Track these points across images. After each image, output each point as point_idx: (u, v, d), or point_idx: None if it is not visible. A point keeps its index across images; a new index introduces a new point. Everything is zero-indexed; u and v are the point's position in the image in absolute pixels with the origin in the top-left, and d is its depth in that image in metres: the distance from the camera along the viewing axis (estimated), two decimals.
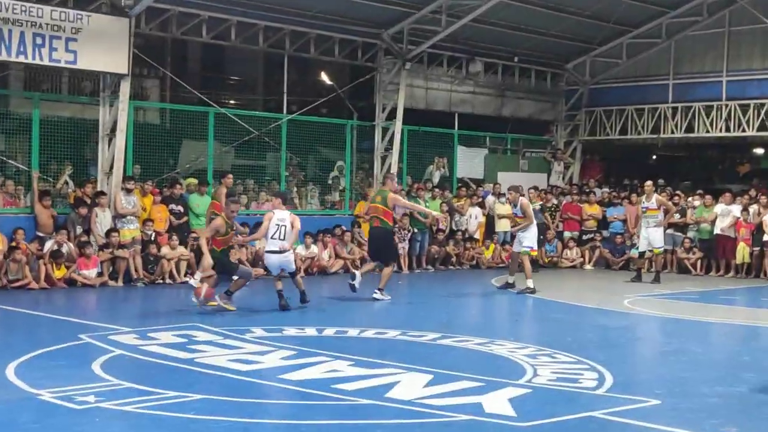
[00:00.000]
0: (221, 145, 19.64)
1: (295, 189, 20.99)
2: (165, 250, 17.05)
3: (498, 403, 7.48)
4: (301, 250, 18.87)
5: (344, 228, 19.92)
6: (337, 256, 19.54)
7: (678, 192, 22.84)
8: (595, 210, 23.14)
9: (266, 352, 9.73)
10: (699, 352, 10.81)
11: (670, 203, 19.81)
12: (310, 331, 11.35)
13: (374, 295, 14.57)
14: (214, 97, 20.86)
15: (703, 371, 9.55)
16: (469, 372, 8.72)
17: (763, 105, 22.81)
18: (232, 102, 24.60)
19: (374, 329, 11.62)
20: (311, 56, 20.95)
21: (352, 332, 11.38)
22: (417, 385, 8.14)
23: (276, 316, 12.92)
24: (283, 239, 13.40)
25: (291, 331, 11.32)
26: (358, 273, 15.05)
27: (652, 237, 18.67)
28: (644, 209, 18.86)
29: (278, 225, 13.43)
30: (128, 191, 16.94)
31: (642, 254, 19.31)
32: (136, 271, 16.56)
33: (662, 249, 19.18)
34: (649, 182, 19.26)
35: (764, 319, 14.08)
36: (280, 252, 13.40)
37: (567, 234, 23.07)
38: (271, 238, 13.41)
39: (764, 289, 18.64)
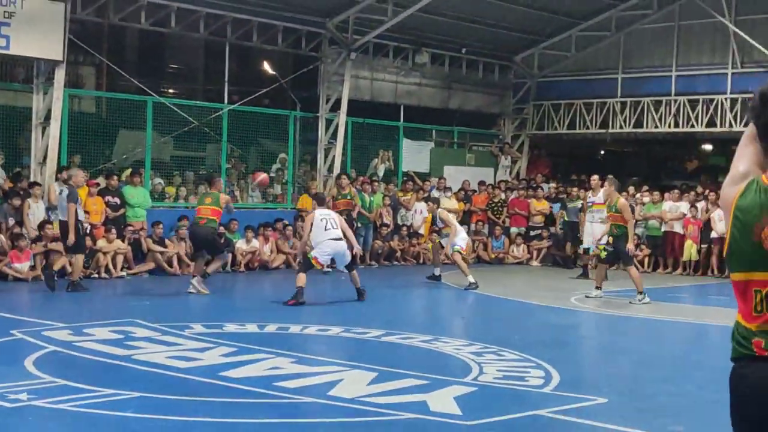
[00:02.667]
0: (159, 135, 19.46)
1: (236, 181, 20.89)
2: (101, 243, 16.84)
3: (443, 401, 7.54)
4: (241, 244, 18.80)
5: (286, 222, 19.88)
6: (279, 250, 19.49)
7: (626, 188, 23.18)
8: (543, 205, 23.38)
9: (206, 349, 9.68)
10: (647, 350, 10.99)
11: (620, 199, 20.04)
12: (252, 328, 11.32)
13: (192, 282, 14.81)
14: (153, 85, 20.63)
15: (650, 369, 9.72)
16: (413, 370, 8.76)
17: (712, 101, 23.20)
18: (171, 91, 24.36)
19: (317, 326, 11.63)
20: (253, 45, 20.85)
21: (295, 329, 11.37)
22: (360, 382, 8.16)
23: (216, 312, 12.87)
24: (336, 228, 14.21)
25: (231, 327, 11.27)
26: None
27: (597, 232, 18.95)
28: (590, 203, 19.15)
29: (324, 219, 14.24)
30: (64, 182, 16.68)
31: (587, 250, 19.58)
32: (70, 264, 16.31)
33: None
34: (595, 176, 19.51)
35: (712, 316, 14.37)
36: (338, 240, 14.13)
37: (514, 230, 23.29)
38: (325, 229, 14.14)
39: (712, 286, 19.03)
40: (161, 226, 17.70)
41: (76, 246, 14.62)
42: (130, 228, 17.25)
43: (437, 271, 17.86)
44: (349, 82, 21.81)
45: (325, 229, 14.25)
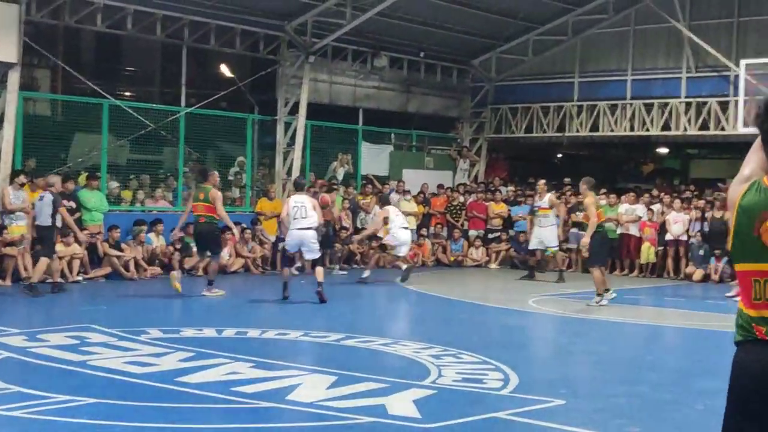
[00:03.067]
0: (115, 138, 19.26)
1: (193, 185, 20.72)
2: (59, 247, 16.59)
3: (402, 404, 7.54)
4: None
5: (245, 225, 19.77)
6: (238, 254, 19.38)
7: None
8: (501, 208, 23.49)
9: (163, 354, 9.60)
10: (603, 352, 11.08)
11: (561, 205, 20.18)
12: (209, 332, 11.23)
13: (204, 293, 14.92)
14: (109, 88, 20.43)
15: (607, 371, 9.81)
16: (373, 373, 8.76)
17: (667, 104, 23.47)
18: (127, 94, 24.13)
19: (276, 330, 11.58)
20: (211, 48, 20.72)
21: (253, 333, 11.31)
22: (319, 387, 8.14)
23: (173, 317, 12.77)
24: (305, 217, 14.45)
25: (189, 332, 11.19)
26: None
27: (544, 236, 19.16)
28: (536, 208, 19.39)
29: (297, 206, 14.51)
30: (20, 186, 16.46)
31: (533, 252, 19.75)
32: (25, 269, 16.08)
33: (557, 248, 19.62)
34: (542, 181, 19.70)
35: (667, 318, 14.54)
36: (305, 229, 14.43)
37: (472, 233, 23.37)
38: (294, 218, 14.47)
39: (668, 288, 19.24)
40: (118, 230, 17.52)
41: (47, 250, 14.56)
42: (86, 232, 17.04)
43: (366, 274, 18.39)
44: (307, 86, 21.76)
45: (294, 218, 14.54)
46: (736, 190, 3.48)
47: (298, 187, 15.56)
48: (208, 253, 15.33)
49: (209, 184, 15.17)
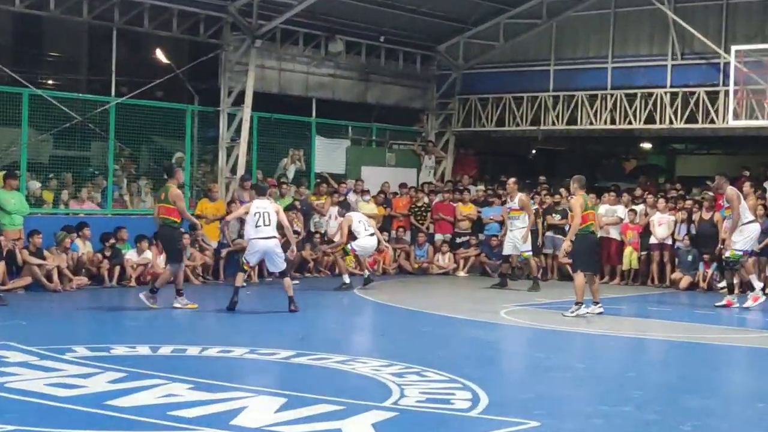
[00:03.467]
0: (37, 132, 19.05)
1: (126, 184, 20.57)
2: None
3: (360, 428, 7.52)
4: (132, 255, 18.52)
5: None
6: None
7: (560, 190, 23.53)
8: (470, 210, 23.56)
9: (91, 374, 9.49)
10: (582, 368, 11.14)
11: (530, 206, 20.22)
12: (143, 350, 11.14)
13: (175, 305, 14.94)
14: (29, 76, 20.21)
15: (586, 389, 9.86)
16: (327, 394, 8.72)
17: (651, 95, 23.64)
18: (50, 82, 23.91)
19: (218, 347, 11.50)
20: (145, 30, 20.57)
21: (192, 350, 11.23)
22: (268, 410, 8.10)
23: (103, 333, 12.64)
24: (269, 225, 14.71)
25: (120, 349, 11.09)
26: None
27: (517, 240, 19.23)
28: (507, 210, 19.47)
29: (258, 213, 14.76)
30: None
31: (507, 258, 19.84)
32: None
33: (530, 252, 19.68)
34: (512, 180, 19.76)
35: (651, 330, 14.65)
36: (268, 239, 14.73)
37: (439, 237, 23.42)
38: (256, 226, 14.71)
39: (652, 296, 19.41)
40: (40, 235, 17.29)
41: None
42: (1, 239, 16.80)
43: (347, 279, 18.58)
44: (254, 73, 21.67)
45: (256, 226, 14.75)
46: None
47: (260, 192, 15.72)
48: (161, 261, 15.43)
49: (172, 182, 15.10)
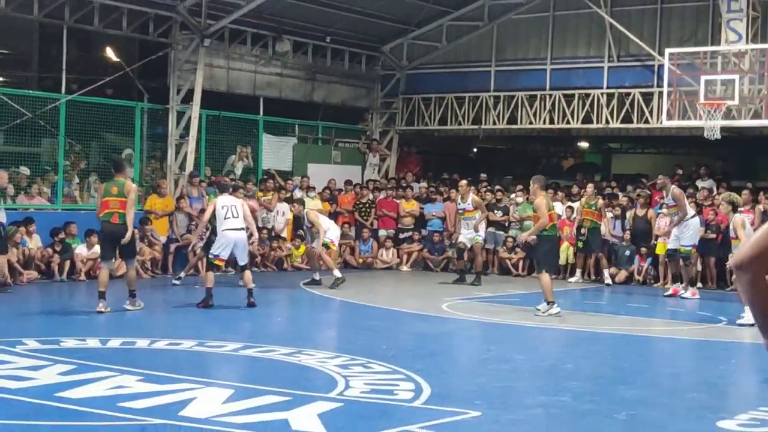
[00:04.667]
0: None
1: (76, 180, 20.33)
2: None
3: (306, 418, 7.53)
4: (82, 249, 18.33)
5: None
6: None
7: (499, 187, 23.70)
8: (413, 206, 23.63)
9: (41, 366, 9.39)
10: (521, 360, 11.24)
11: (483, 205, 20.34)
12: (93, 343, 11.05)
13: (127, 306, 14.12)
14: None
15: (525, 380, 9.95)
16: (274, 385, 8.73)
17: (588, 96, 23.86)
18: (1, 79, 23.53)
19: (167, 339, 11.44)
20: (95, 29, 20.33)
21: (142, 343, 11.16)
22: (215, 401, 8.08)
23: (53, 326, 12.49)
24: (237, 217, 14.69)
25: (70, 342, 10.98)
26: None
27: (472, 233, 19.34)
28: (461, 210, 19.51)
29: (226, 207, 14.72)
30: None
31: (461, 253, 19.91)
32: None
33: (482, 237, 19.88)
34: (464, 181, 19.81)
35: (587, 323, 14.81)
36: (238, 230, 14.66)
37: (382, 232, 23.46)
38: (225, 218, 14.63)
39: (588, 291, 19.62)
40: None
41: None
42: None
43: (317, 276, 18.33)
44: (202, 71, 21.54)
45: (225, 218, 14.69)
46: None
47: (223, 189, 15.58)
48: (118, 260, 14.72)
49: (121, 177, 14.16)
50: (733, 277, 13.12)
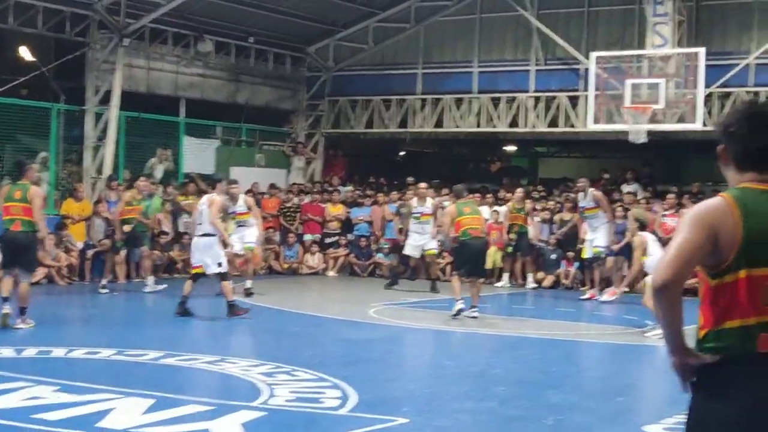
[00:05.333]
0: None
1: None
2: None
3: (229, 428, 7.48)
4: None
5: (49, 230, 19.11)
6: (40, 263, 18.70)
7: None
8: (339, 211, 23.62)
9: None
10: (448, 365, 11.28)
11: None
12: (7, 352, 10.81)
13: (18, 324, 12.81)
14: None
15: (453, 386, 9.99)
16: (196, 395, 8.68)
17: (514, 99, 24.10)
18: None
19: (85, 348, 11.25)
20: (9, 27, 20.00)
21: (58, 352, 10.96)
22: (135, 411, 7.97)
23: None
24: (201, 223, 14.37)
25: None
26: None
27: (426, 241, 19.28)
28: (418, 214, 19.46)
29: (201, 210, 14.44)
30: None
31: (407, 259, 19.80)
32: None
33: (435, 249, 19.77)
34: (423, 184, 19.75)
35: (515, 327, 14.93)
36: (204, 236, 14.30)
37: (308, 237, 23.40)
38: (197, 224, 14.49)
39: (515, 295, 19.80)
40: None
41: None
42: None
43: (249, 284, 17.87)
44: (121, 72, 21.28)
45: (197, 224, 14.57)
46: (710, 204, 3.71)
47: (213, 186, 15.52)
48: (17, 270, 12.96)
49: (27, 180, 13.22)
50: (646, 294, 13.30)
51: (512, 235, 20.91)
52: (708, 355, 3.66)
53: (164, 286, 18.25)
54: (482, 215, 16.36)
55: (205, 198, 15.04)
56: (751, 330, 3.60)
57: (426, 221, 19.33)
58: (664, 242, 16.18)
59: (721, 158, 3.86)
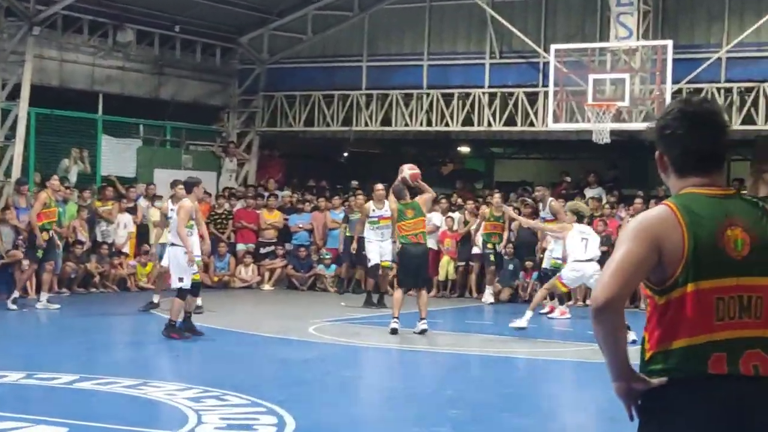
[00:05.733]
0: None
1: None
2: None
3: None
4: None
5: None
6: None
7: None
8: (276, 218, 23.54)
9: None
10: (396, 387, 11.29)
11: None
12: None
13: None
14: None
15: (401, 409, 9.98)
16: (115, 422, 8.61)
17: (468, 95, 24.15)
18: None
19: None
20: None
21: None
22: None
23: None
24: (170, 231, 14.48)
25: None
26: None
27: (384, 249, 19.16)
28: (375, 218, 19.36)
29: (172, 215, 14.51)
30: None
31: (375, 271, 19.69)
32: None
33: (391, 262, 19.65)
34: (379, 185, 19.66)
35: (469, 345, 14.98)
36: (173, 245, 14.34)
37: (241, 247, 23.29)
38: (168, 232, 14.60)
39: (470, 309, 19.85)
40: None
41: None
42: None
43: (156, 299, 17.71)
44: (31, 64, 21.03)
45: (170, 232, 14.62)
46: (653, 214, 3.73)
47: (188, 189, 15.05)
48: None
49: None
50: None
51: (490, 245, 20.78)
52: (655, 378, 3.67)
53: (57, 306, 17.75)
54: (427, 219, 16.25)
55: (178, 203, 14.82)
56: (701, 350, 3.61)
57: (385, 225, 19.17)
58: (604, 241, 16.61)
59: (659, 165, 3.88)
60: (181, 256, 14.16)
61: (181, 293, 14.18)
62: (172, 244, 14.40)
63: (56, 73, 22.71)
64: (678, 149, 3.79)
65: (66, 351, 13.33)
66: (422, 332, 14.87)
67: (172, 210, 16.84)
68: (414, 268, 15.32)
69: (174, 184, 17.88)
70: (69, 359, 12.47)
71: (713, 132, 3.79)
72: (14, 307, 17.29)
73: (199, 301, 16.72)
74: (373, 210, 19.43)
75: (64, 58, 22.84)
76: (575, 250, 15.58)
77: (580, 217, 16.32)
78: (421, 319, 15.03)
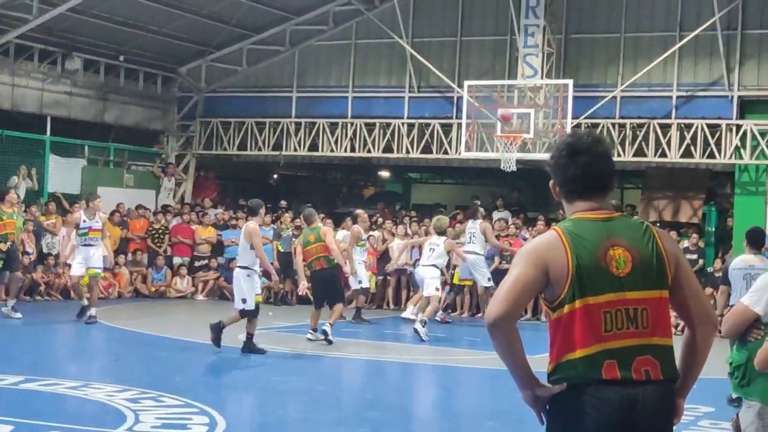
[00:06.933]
0: None
1: None
2: None
3: None
4: None
5: None
6: None
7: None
8: (209, 233, 23.34)
9: None
10: (321, 391, 11.23)
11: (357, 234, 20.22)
12: None
13: None
14: None
15: (324, 412, 9.93)
16: (58, 421, 8.44)
17: (389, 125, 24.24)
18: None
19: None
20: None
21: None
22: None
23: None
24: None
25: None
26: None
27: (362, 274, 19.13)
28: (364, 242, 19.40)
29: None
30: None
31: (365, 289, 19.54)
32: None
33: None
34: (361, 211, 19.60)
35: (387, 352, 14.98)
36: None
37: (177, 260, 23.03)
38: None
39: (388, 320, 19.85)
40: None
41: None
42: None
43: (85, 302, 17.05)
44: None
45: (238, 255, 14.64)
46: (541, 239, 3.80)
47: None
48: None
49: None
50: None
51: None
52: (556, 385, 3.72)
53: (18, 315, 17.28)
54: (331, 243, 15.76)
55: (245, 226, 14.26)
56: (594, 358, 3.67)
57: (361, 246, 19.43)
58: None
59: (553, 192, 3.95)
60: (244, 279, 13.76)
61: (242, 313, 13.77)
62: (240, 267, 13.96)
63: (8, 97, 22.29)
64: (563, 177, 3.86)
65: (13, 354, 13.05)
66: (323, 332, 14.78)
67: (84, 221, 16.57)
68: (321, 291, 15.30)
69: (91, 197, 17.36)
70: (16, 362, 12.19)
71: (594, 160, 3.83)
72: None
73: (93, 311, 16.41)
74: (363, 236, 19.56)
75: (16, 83, 22.42)
76: (423, 256, 17.31)
77: (441, 233, 17.30)
78: (329, 324, 14.91)
